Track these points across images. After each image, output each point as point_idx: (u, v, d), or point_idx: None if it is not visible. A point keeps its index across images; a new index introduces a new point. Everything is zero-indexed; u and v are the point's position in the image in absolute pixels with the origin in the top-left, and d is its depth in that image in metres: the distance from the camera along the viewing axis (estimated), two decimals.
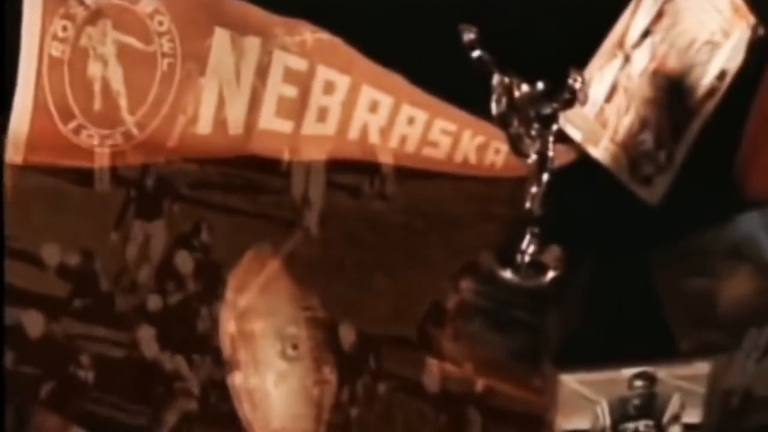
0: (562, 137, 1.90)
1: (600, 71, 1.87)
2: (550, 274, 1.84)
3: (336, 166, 1.89)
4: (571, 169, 1.92)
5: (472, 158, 1.91)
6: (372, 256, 1.94)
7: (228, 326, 1.85)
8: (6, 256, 1.75)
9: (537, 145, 1.74)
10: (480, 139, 1.90)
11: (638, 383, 1.83)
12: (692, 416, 1.88)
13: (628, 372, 1.82)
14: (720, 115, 2.01)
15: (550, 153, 1.75)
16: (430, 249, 1.93)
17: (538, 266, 1.84)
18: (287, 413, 1.86)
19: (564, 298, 1.81)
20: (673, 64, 1.94)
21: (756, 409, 2.09)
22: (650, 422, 1.86)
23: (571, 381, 1.80)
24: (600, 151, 1.93)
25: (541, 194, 1.77)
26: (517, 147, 1.74)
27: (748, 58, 1.99)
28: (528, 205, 1.78)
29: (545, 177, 1.76)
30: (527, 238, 1.82)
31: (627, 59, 1.88)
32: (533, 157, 1.75)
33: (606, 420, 1.84)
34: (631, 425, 1.85)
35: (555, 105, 1.70)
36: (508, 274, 1.83)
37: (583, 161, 1.93)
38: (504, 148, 1.89)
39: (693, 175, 2.02)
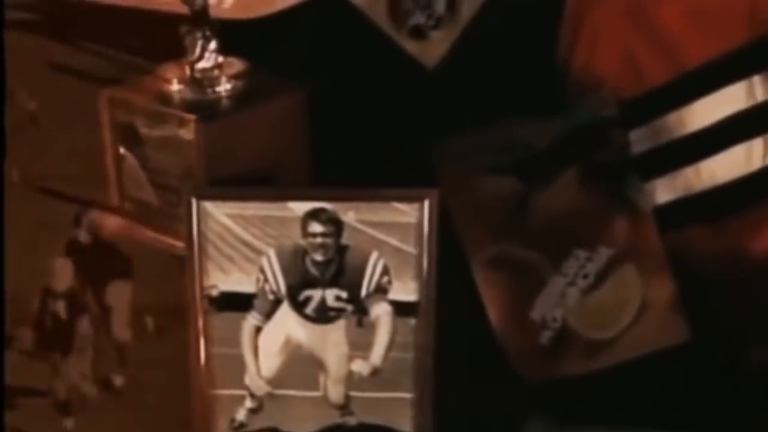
0: None
1: None
2: (225, 86, 1.32)
3: None
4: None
5: None
6: None
7: None
8: None
9: None
10: None
11: (317, 228, 1.25)
12: (408, 291, 1.27)
13: (300, 208, 1.25)
14: None
15: None
16: None
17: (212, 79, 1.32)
18: None
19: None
20: None
21: (575, 351, 1.43)
22: (342, 292, 1.26)
23: (216, 212, 1.25)
24: None
25: None
26: None
27: None
28: None
29: None
30: (198, 44, 1.32)
31: None
32: None
33: (278, 281, 1.26)
34: (315, 293, 1.26)
35: None
36: (174, 86, 1.32)
37: None
38: None
39: (500, 46, 1.47)
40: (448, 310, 1.27)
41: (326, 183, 1.33)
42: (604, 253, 1.43)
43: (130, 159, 1.31)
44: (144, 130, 1.28)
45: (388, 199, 1.21)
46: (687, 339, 1.42)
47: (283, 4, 1.42)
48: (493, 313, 1.41)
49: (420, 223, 1.21)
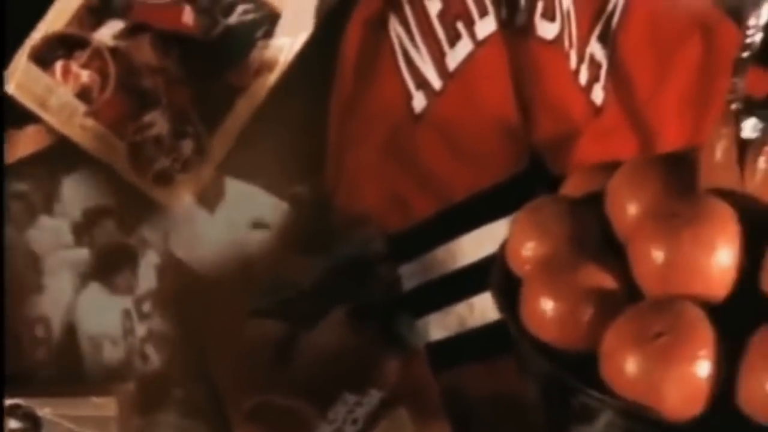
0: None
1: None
2: None
3: None
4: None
5: None
6: None
7: None
8: None
9: None
10: None
11: (13, 424, 1.16)
12: None
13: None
14: (291, 102, 1.37)
15: None
16: None
17: None
18: None
19: None
20: (188, 20, 1.33)
21: None
22: None
23: None
24: (75, 130, 1.33)
25: None
26: None
27: (322, 30, 1.36)
28: None
29: None
30: None
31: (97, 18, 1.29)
32: None
33: None
34: None
35: None
36: None
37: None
38: None
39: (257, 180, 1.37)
40: None
41: None
42: (374, 396, 1.35)
43: None
44: None
45: (83, 394, 1.13)
46: None
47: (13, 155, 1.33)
48: None
49: (118, 417, 1.13)
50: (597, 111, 1.37)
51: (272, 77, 1.34)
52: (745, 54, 0.95)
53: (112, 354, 1.28)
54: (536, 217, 1.04)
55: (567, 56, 1.34)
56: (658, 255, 0.93)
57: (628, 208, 1.01)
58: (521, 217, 1.05)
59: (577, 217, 1.03)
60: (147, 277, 1.32)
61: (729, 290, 0.93)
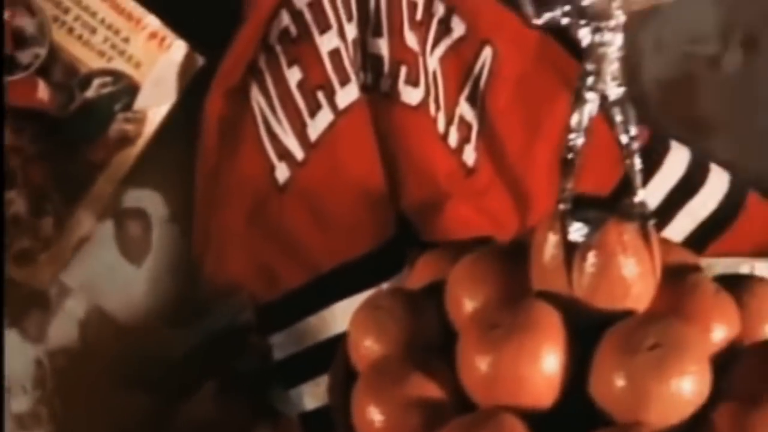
0: None
1: None
2: None
3: None
4: None
5: None
6: None
7: None
8: None
9: None
10: None
11: None
12: None
13: None
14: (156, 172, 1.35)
15: None
16: None
17: None
18: None
19: None
20: (42, 96, 1.30)
21: None
22: None
23: None
24: None
25: None
26: None
27: (186, 100, 1.33)
28: None
29: None
30: None
31: None
32: None
33: None
34: None
35: None
36: None
37: None
38: None
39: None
40: None
41: None
42: None
43: None
44: None
45: None
46: None
47: None
48: None
49: None
50: (469, 172, 1.36)
51: (135, 150, 1.31)
52: (570, 155, 0.93)
53: None
54: (374, 314, 1.01)
55: (434, 120, 1.32)
56: (482, 364, 0.91)
57: (465, 305, 0.99)
58: (360, 312, 1.02)
59: (416, 313, 1.00)
60: None
61: (555, 397, 0.91)
